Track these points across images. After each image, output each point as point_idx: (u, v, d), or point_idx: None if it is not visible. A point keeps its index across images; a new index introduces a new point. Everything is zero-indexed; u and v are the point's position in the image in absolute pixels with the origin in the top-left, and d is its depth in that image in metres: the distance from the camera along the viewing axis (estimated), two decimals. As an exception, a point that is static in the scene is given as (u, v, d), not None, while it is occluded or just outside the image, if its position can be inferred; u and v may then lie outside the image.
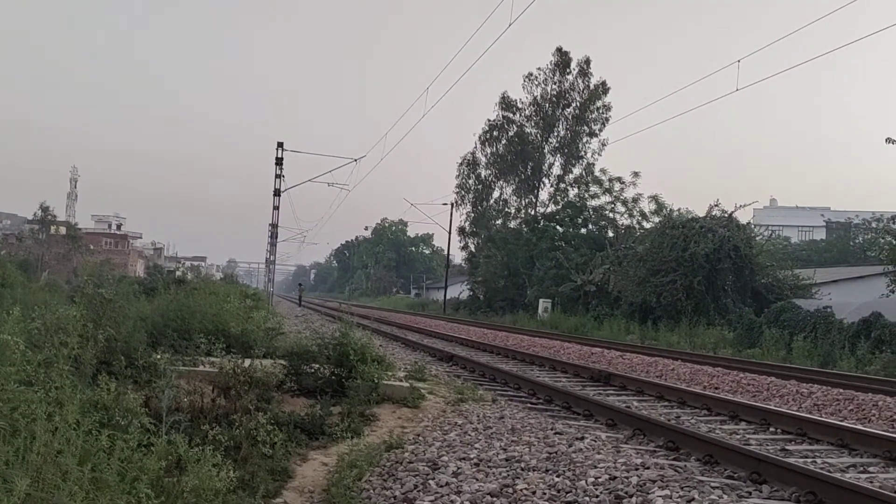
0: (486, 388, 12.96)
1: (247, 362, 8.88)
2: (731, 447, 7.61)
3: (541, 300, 43.15)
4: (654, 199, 46.76)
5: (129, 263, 73.51)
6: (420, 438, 8.08)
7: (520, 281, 50.60)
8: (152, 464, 4.98)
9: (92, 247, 75.39)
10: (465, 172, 60.55)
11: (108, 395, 6.29)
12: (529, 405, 11.30)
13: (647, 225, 46.32)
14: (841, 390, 13.43)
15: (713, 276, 31.05)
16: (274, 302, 42.35)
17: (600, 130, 54.81)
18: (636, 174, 49.58)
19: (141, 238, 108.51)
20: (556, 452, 7.16)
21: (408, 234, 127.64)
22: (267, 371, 8.86)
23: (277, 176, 37.88)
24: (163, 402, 6.48)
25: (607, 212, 50.40)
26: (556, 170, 56.47)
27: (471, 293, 60.14)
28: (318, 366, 10.11)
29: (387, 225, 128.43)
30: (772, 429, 9.92)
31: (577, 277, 41.74)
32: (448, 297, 64.15)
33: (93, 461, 4.57)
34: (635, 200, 48.97)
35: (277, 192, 38.26)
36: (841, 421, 10.64)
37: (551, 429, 8.55)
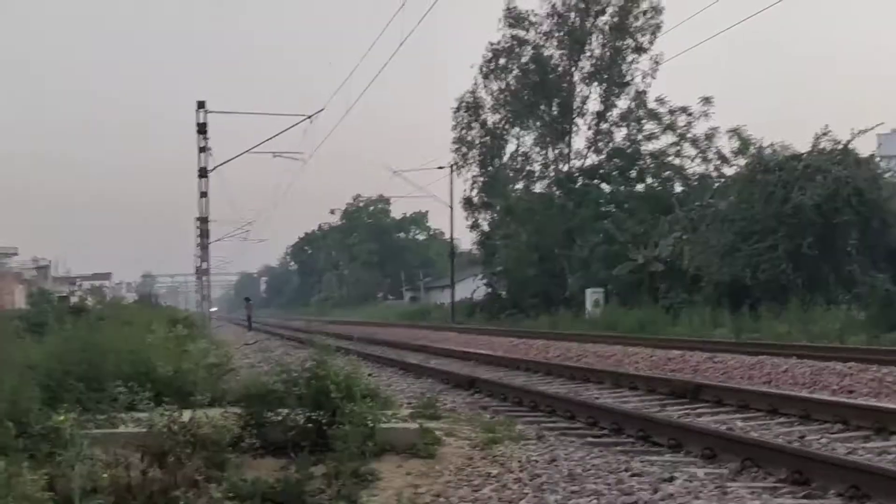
0: (525, 421, 12.90)
1: (186, 415, 8.81)
2: (886, 473, 7.56)
3: (588, 291, 43.20)
4: (736, 133, 46.60)
5: (3, 291, 73.54)
6: (441, 501, 8.01)
7: (556, 267, 50.64)
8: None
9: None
10: (465, 120, 60.50)
11: (-5, 478, 6.25)
12: (590, 439, 11.23)
13: (728, 171, 46.28)
14: None
15: (829, 235, 31.04)
16: (214, 327, 42.37)
17: (651, 43, 54.58)
18: (707, 100, 49.38)
19: (17, 254, 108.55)
20: (635, 503, 7.10)
21: (392, 214, 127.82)
22: (216, 424, 8.80)
23: (202, 150, 37.82)
24: (73, 483, 6.43)
25: (671, 157, 50.31)
26: (594, 104, 56.37)
27: (488, 290, 60.17)
28: (286, 411, 10.04)
29: (362, 205, 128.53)
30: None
31: (638, 254, 41.74)
32: (457, 298, 64.20)
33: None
34: (709, 137, 48.88)
35: (204, 173, 38.22)
36: None
37: (625, 470, 8.50)
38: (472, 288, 64.70)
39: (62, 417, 8.38)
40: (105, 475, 7.70)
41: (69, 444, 7.34)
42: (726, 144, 47.68)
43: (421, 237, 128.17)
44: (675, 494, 7.25)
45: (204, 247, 44.49)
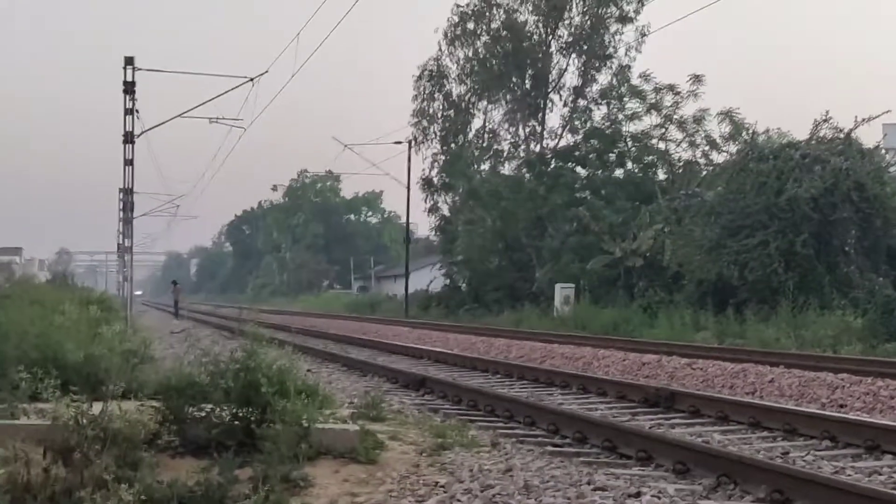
0: (480, 426, 12.94)
1: (97, 407, 8.74)
2: (876, 496, 7.63)
3: (558, 286, 43.32)
4: (728, 116, 46.86)
5: None
6: (384, 506, 8.02)
7: (523, 257, 50.81)
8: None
9: None
10: (427, 90, 60.41)
11: None
12: (551, 448, 11.28)
13: (718, 158, 46.55)
14: None
15: (826, 233, 31.33)
16: (136, 311, 42.07)
17: (636, 12, 54.59)
18: (697, 78, 49.45)
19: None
20: (598, 519, 7.13)
21: (342, 194, 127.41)
22: (131, 419, 8.75)
23: (128, 111, 37.35)
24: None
25: (655, 141, 50.47)
26: (572, 78, 56.46)
27: (447, 281, 60.18)
28: (211, 407, 9.99)
29: (308, 181, 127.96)
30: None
31: (614, 246, 41.93)
32: (412, 289, 64.20)
33: None
34: (698, 121, 49.03)
35: (130, 138, 37.77)
36: None
37: (588, 483, 8.53)
38: (428, 278, 64.69)
39: (-47, 405, 8.30)
40: (1, 471, 7.64)
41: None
42: (716, 128, 48.02)
43: (373, 220, 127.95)
44: (643, 512, 7.29)
45: (127, 221, 43.97)
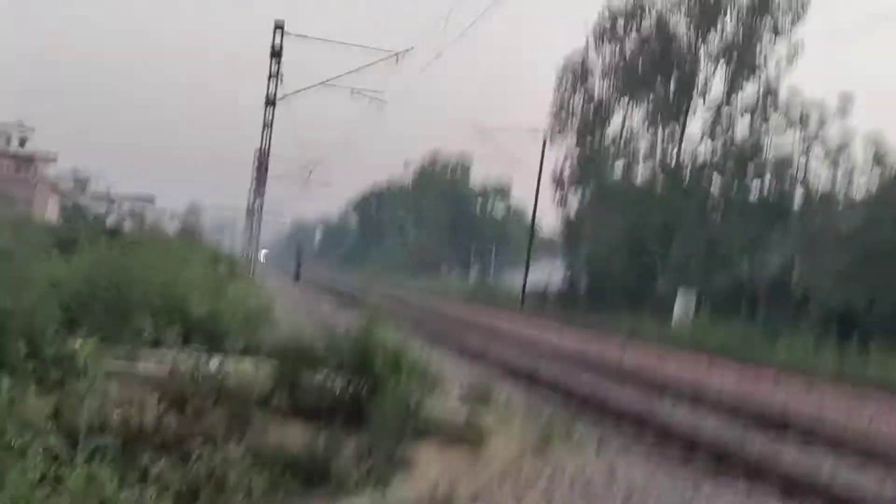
0: (587, 424, 12.88)
1: (215, 362, 8.90)
2: None
3: (681, 291, 42.77)
4: (874, 140, 45.53)
5: (37, 201, 74.92)
6: (481, 498, 8.01)
7: (648, 263, 50.26)
8: (62, 508, 5.01)
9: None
10: (569, 85, 60.10)
11: (-1, 399, 6.37)
12: (657, 457, 11.19)
13: (859, 183, 45.30)
14: None
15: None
16: (259, 272, 42.75)
17: (792, 24, 53.35)
18: (847, 97, 48.05)
19: (55, 161, 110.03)
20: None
21: (471, 179, 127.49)
22: (246, 378, 8.89)
23: (273, 76, 38.07)
24: (81, 416, 6.53)
25: (796, 158, 49.33)
26: (717, 87, 55.50)
27: (567, 279, 59.90)
28: (325, 374, 10.10)
29: (439, 166, 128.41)
30: None
31: (742, 264, 41.27)
32: (530, 284, 63.99)
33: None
34: (843, 146, 47.69)
35: (272, 101, 38.47)
36: None
37: (692, 497, 8.43)
38: (547, 274, 64.45)
39: (79, 344, 8.50)
40: (117, 414, 7.81)
41: (82, 374, 7.45)
42: (861, 151, 46.64)
43: (499, 211, 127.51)
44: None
45: (261, 182, 44.75)
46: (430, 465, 9.05)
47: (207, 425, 7.86)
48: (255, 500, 6.99)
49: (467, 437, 9.90)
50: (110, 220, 39.71)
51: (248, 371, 9.22)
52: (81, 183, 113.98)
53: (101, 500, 5.39)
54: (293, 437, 8.89)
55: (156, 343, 9.85)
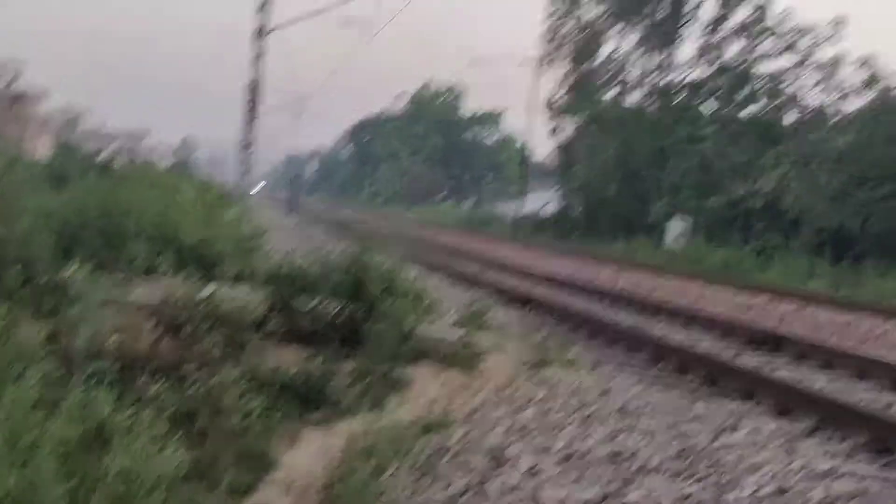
0: (582, 345, 12.97)
1: (209, 288, 8.92)
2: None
3: (675, 218, 42.80)
4: (866, 63, 45.35)
5: (29, 137, 74.49)
6: (476, 417, 8.10)
7: (642, 188, 50.18)
8: (59, 429, 5.05)
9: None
10: (561, 11, 59.60)
11: (-6, 324, 6.39)
12: (651, 376, 11.29)
13: (851, 106, 45.22)
14: None
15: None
16: (253, 205, 42.73)
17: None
18: (839, 23, 47.89)
19: (47, 98, 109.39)
20: (691, 447, 7.13)
21: (463, 109, 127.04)
22: (240, 303, 8.91)
23: (262, 6, 37.74)
24: (77, 341, 6.56)
25: (787, 83, 49.21)
26: (709, 10, 55.12)
27: (561, 206, 59.89)
28: (319, 299, 10.13)
29: (431, 93, 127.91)
30: None
31: (735, 186, 41.19)
32: (525, 210, 64.05)
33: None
34: (834, 65, 47.57)
35: (261, 33, 38.17)
36: None
37: (686, 411, 8.50)
38: (543, 200, 64.52)
39: (73, 269, 8.52)
40: (113, 339, 7.86)
41: (77, 301, 7.47)
42: (853, 75, 46.51)
43: (491, 139, 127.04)
44: (737, 445, 7.25)
45: (252, 117, 44.64)
46: (426, 386, 9.12)
47: (203, 350, 7.92)
48: (252, 422, 7.06)
49: (462, 360, 9.95)
50: (102, 156, 39.54)
51: (243, 297, 9.24)
52: (73, 120, 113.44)
53: (98, 422, 5.43)
54: (288, 361, 8.95)
55: (149, 271, 9.86)
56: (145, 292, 9.43)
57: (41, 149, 71.83)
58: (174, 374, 7.52)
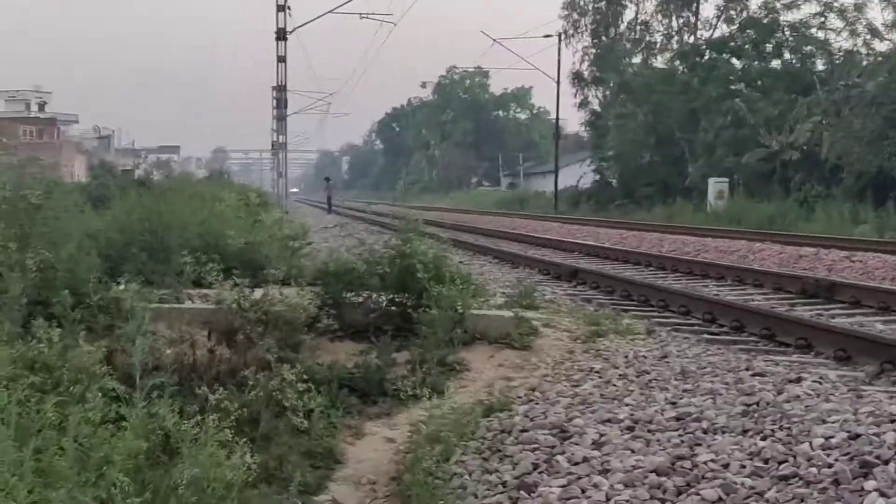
0: (634, 315, 12.87)
1: (258, 292, 8.93)
2: None
3: (711, 180, 42.58)
4: (890, 3, 44.89)
5: (63, 162, 75.12)
6: (537, 395, 8.05)
7: (676, 152, 49.92)
8: (127, 445, 5.06)
9: (4, 140, 76.78)
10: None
11: (50, 348, 6.41)
12: (707, 336, 11.22)
13: (880, 48, 44.74)
14: None
15: None
16: (290, 207, 42.89)
17: None
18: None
19: (76, 122, 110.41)
20: (757, 404, 7.02)
21: (490, 90, 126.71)
22: (291, 303, 8.91)
23: (280, 7, 37.80)
24: (134, 357, 6.57)
25: (814, 30, 48.71)
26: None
27: (597, 177, 59.70)
28: (368, 293, 10.14)
29: (456, 78, 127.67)
30: None
31: (770, 140, 40.87)
32: (561, 185, 63.90)
33: (36, 443, 4.66)
34: (859, 8, 47.10)
35: (282, 34, 38.26)
36: None
37: (746, 369, 8.40)
38: (578, 175, 64.27)
39: (122, 287, 8.55)
40: (169, 352, 7.89)
41: (129, 317, 7.48)
42: (879, 16, 46.04)
43: (522, 117, 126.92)
44: (803, 396, 7.13)
45: (281, 118, 44.85)
46: (483, 369, 9.10)
47: (259, 353, 7.93)
48: (314, 421, 7.07)
49: (516, 339, 9.92)
50: (138, 173, 39.86)
51: (292, 298, 9.24)
52: (105, 140, 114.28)
53: (163, 434, 5.44)
54: (344, 357, 8.97)
55: (197, 281, 9.88)
56: (196, 303, 9.48)
57: (77, 171, 72.58)
58: (232, 380, 7.55)
